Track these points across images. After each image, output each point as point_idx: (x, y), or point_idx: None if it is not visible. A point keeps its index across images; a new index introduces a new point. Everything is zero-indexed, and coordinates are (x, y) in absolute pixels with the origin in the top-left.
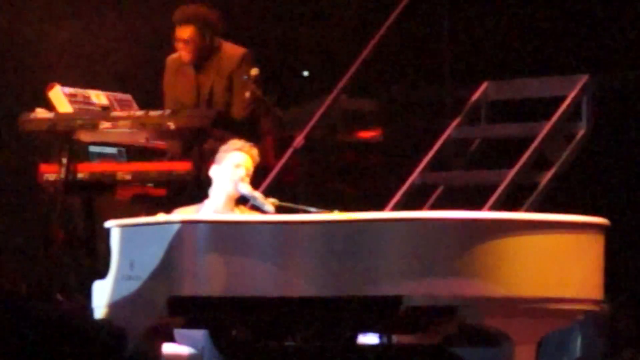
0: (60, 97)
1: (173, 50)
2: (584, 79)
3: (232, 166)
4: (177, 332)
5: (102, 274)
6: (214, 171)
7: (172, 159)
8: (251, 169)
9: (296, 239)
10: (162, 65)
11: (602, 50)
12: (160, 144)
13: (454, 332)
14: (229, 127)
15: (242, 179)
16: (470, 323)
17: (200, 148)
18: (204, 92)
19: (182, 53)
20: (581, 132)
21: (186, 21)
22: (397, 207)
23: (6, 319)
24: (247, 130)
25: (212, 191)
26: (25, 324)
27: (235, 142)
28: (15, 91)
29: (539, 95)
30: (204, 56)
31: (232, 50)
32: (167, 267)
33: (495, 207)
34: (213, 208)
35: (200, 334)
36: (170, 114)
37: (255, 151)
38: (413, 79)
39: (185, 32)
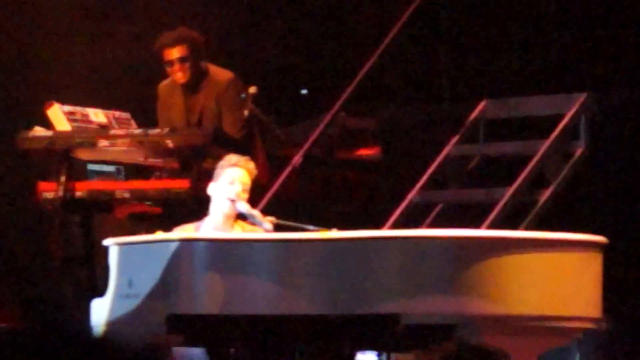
0: (59, 115)
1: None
2: (582, 97)
3: (227, 183)
4: (176, 350)
5: (101, 292)
6: (211, 188)
7: (161, 177)
8: (248, 182)
9: (294, 258)
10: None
11: (601, 68)
12: (158, 162)
13: (452, 350)
14: (227, 145)
15: (237, 195)
16: (468, 341)
17: (198, 166)
18: (193, 115)
19: (178, 74)
20: (580, 151)
21: (177, 41)
22: (395, 226)
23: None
24: (244, 148)
25: (211, 208)
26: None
27: (230, 158)
28: (13, 109)
29: (537, 114)
30: (195, 78)
31: (219, 75)
32: (166, 285)
33: (494, 226)
34: (213, 225)
35: (198, 352)
36: (169, 132)
37: (251, 164)
38: (411, 97)
39: (178, 52)
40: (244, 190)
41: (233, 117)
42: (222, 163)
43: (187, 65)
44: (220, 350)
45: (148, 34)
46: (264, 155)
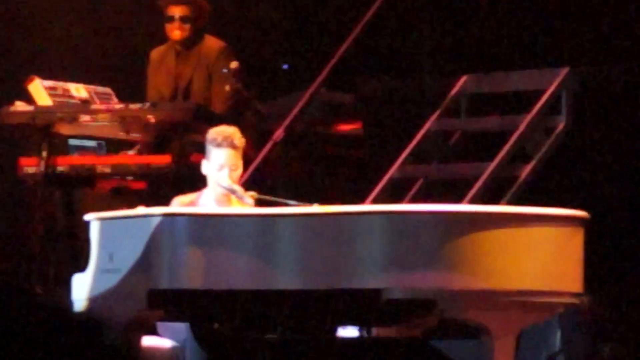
0: (40, 90)
1: (154, 44)
2: (563, 72)
3: (215, 170)
4: (160, 325)
5: (82, 267)
6: (204, 168)
7: (141, 151)
8: (236, 159)
9: (276, 232)
10: (143, 58)
11: (582, 43)
12: (140, 137)
13: (433, 325)
14: (210, 120)
15: (226, 179)
16: (450, 316)
17: (179, 141)
18: (182, 82)
19: (175, 32)
20: (561, 126)
21: (184, 1)
22: (377, 200)
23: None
24: (227, 124)
25: (209, 182)
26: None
27: (215, 136)
28: None
29: (518, 89)
30: (190, 42)
31: (212, 43)
32: (146, 260)
33: (475, 200)
34: (212, 197)
35: (182, 327)
36: (150, 107)
37: (236, 138)
38: (392, 71)
39: (182, 11)
40: (232, 170)
41: (222, 87)
42: (208, 138)
43: (187, 26)
44: (203, 325)
45: (131, 8)
46: (250, 128)
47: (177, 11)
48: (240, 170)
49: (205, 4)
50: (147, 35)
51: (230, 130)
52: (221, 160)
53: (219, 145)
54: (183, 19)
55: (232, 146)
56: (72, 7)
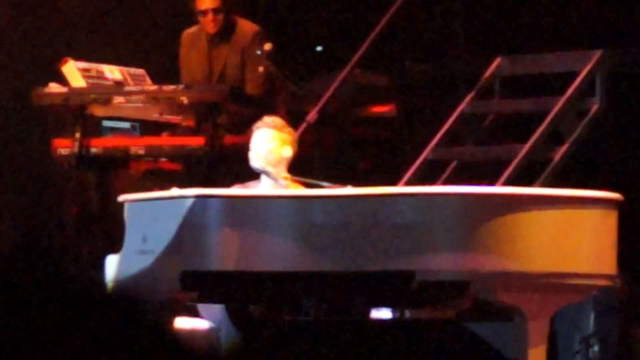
0: (74, 72)
1: (188, 25)
2: (597, 54)
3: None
4: (200, 306)
5: (116, 249)
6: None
7: (184, 133)
8: (270, 140)
9: (310, 214)
10: (176, 40)
11: (617, 25)
12: (174, 118)
13: (466, 307)
14: (243, 102)
15: (266, 166)
16: (483, 298)
17: (213, 123)
18: (217, 67)
19: (210, 25)
20: (595, 108)
21: None
22: (410, 182)
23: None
24: (261, 106)
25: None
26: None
27: (254, 127)
28: (29, 66)
29: (552, 71)
30: (226, 30)
31: (246, 27)
32: (180, 241)
33: (508, 183)
34: (268, 184)
35: (219, 308)
36: (184, 88)
37: (270, 119)
38: (427, 53)
39: (212, 3)
40: (275, 165)
41: (256, 71)
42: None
43: (220, 16)
44: (238, 307)
45: None
46: (284, 114)
47: (207, 4)
48: (279, 152)
49: None
50: (181, 15)
51: (270, 117)
52: (253, 142)
53: (257, 127)
54: (215, 11)
55: (268, 126)
56: None
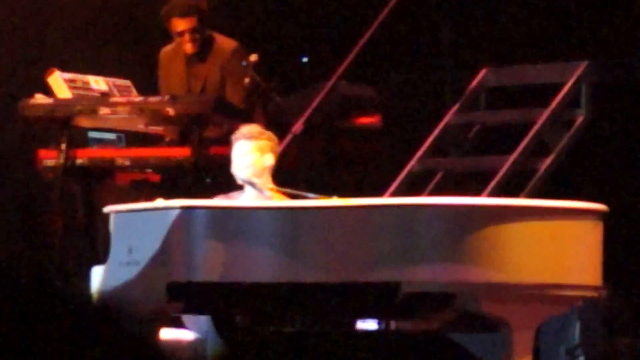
0: (60, 83)
1: (169, 40)
2: (583, 65)
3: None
4: (185, 317)
5: (101, 260)
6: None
7: (170, 144)
8: (253, 151)
9: (294, 225)
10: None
11: (602, 36)
12: (159, 129)
13: (452, 318)
14: (229, 113)
15: (247, 179)
16: (468, 309)
17: (199, 134)
18: (196, 85)
19: (188, 45)
20: (580, 119)
21: (188, 12)
22: (396, 193)
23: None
24: (246, 117)
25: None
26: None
27: (233, 137)
28: (14, 77)
29: (538, 82)
30: (204, 49)
31: (224, 43)
32: (165, 252)
33: (494, 194)
34: (251, 195)
35: (205, 319)
36: (170, 99)
37: (251, 129)
38: (412, 65)
39: (188, 23)
40: (255, 175)
41: (237, 86)
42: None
43: (197, 36)
44: (223, 317)
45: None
46: (264, 123)
47: (183, 25)
48: (260, 163)
49: (204, 5)
50: (166, 28)
51: (247, 126)
52: (234, 155)
53: (236, 139)
54: (192, 31)
55: (245, 137)
56: None
